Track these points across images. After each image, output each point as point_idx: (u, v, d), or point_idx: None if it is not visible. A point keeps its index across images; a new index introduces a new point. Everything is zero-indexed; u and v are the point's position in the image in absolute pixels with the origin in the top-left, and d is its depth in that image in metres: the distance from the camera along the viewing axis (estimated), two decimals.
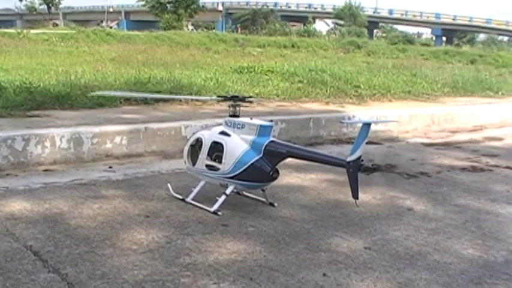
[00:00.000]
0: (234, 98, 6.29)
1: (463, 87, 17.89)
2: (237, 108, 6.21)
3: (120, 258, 4.65)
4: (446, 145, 10.78)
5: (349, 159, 5.26)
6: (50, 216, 5.61)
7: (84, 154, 8.03)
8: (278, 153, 5.80)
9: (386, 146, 10.37)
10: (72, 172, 7.52)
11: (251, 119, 6.05)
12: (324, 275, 4.49)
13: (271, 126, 6.04)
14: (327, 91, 14.33)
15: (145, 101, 11.06)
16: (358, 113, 11.75)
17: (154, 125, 8.81)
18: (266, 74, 15.99)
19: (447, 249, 5.20)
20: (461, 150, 10.33)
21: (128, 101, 10.95)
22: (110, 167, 7.84)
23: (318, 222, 5.80)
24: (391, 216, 6.11)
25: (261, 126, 5.87)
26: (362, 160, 5.25)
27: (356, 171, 5.26)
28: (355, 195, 5.36)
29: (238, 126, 5.99)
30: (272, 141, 5.86)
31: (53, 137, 7.80)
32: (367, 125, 5.24)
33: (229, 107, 6.27)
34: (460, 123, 13.22)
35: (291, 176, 7.56)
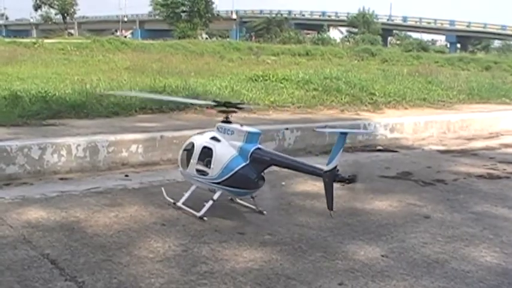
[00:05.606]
0: (227, 104, 6.31)
1: (479, 94, 17.74)
2: (230, 114, 6.21)
3: (136, 267, 4.65)
4: (462, 152, 10.69)
5: (325, 169, 5.23)
6: (67, 225, 5.63)
7: (100, 163, 8.05)
8: (263, 160, 5.78)
9: (402, 154, 10.30)
10: (88, 180, 7.54)
11: (241, 125, 6.04)
12: (341, 283, 4.47)
13: (259, 134, 6.03)
14: (342, 99, 14.25)
15: (160, 110, 11.08)
16: (374, 120, 11.69)
17: (170, 134, 8.82)
18: (281, 82, 15.94)
19: (465, 256, 5.15)
20: (478, 157, 10.24)
21: (143, 109, 10.98)
22: (126, 176, 7.86)
23: (334, 230, 5.78)
24: (408, 224, 6.07)
25: (249, 133, 5.87)
26: (338, 170, 5.21)
27: (331, 182, 5.23)
28: (330, 206, 5.33)
29: (228, 132, 6.00)
30: (258, 148, 5.84)
31: (69, 145, 7.83)
32: (343, 135, 5.23)
33: (219, 111, 6.33)
34: (476, 130, 13.11)
35: (307, 184, 7.52)
